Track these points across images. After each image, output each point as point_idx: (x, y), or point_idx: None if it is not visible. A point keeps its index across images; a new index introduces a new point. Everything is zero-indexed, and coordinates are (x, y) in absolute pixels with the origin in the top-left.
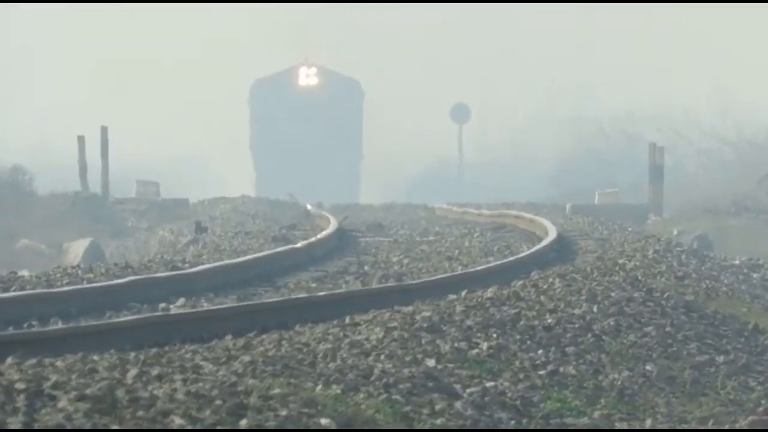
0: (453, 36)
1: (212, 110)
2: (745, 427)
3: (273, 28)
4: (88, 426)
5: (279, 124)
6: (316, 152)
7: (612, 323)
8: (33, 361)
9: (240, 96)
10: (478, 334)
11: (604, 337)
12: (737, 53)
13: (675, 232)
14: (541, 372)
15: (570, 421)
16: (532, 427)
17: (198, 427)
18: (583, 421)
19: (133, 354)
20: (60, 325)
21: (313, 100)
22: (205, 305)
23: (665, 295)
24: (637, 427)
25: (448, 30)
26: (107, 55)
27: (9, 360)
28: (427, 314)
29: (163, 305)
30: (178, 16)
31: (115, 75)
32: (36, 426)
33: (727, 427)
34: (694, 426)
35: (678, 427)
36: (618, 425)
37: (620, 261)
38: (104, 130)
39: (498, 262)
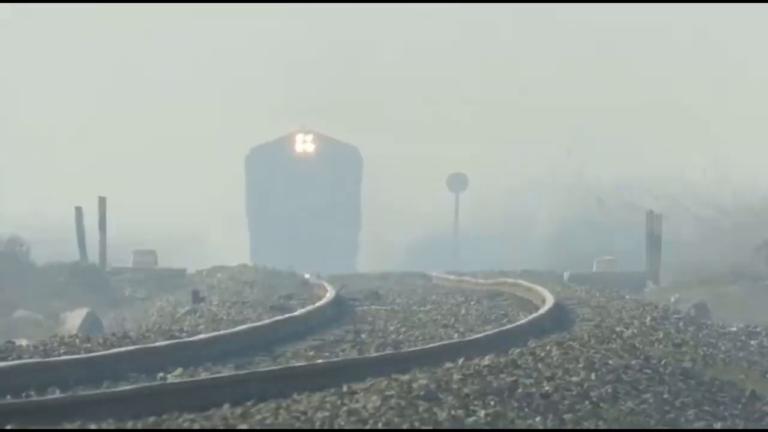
0: (449, 105)
1: (209, 179)
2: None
3: (269, 95)
4: None
5: (275, 193)
6: (313, 221)
7: (610, 390)
8: (31, 429)
9: (237, 164)
10: (476, 402)
11: (601, 404)
12: (735, 122)
13: (673, 300)
14: None
15: None
16: None
17: None
18: None
19: (131, 423)
20: (58, 394)
21: (309, 167)
22: (203, 374)
23: (663, 363)
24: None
25: (445, 99)
26: (104, 126)
27: (8, 428)
28: (424, 382)
29: (161, 374)
30: (175, 82)
31: (112, 146)
32: None
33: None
34: None
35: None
36: None
37: (618, 329)
38: (102, 201)
39: (495, 330)
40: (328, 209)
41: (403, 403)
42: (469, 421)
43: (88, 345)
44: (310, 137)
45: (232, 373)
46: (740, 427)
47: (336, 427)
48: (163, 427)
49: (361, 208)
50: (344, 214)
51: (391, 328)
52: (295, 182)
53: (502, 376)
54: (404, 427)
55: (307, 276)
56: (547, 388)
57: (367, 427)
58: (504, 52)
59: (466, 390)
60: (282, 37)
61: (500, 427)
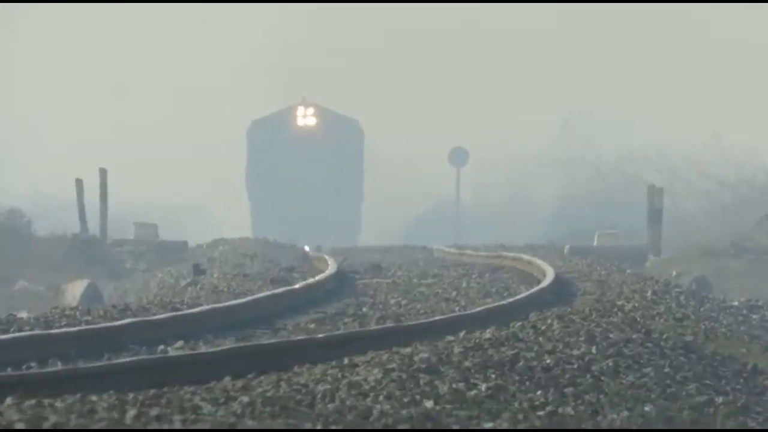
0: (451, 79)
1: (210, 152)
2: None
3: (270, 68)
4: None
5: (276, 166)
6: (315, 194)
7: (611, 364)
8: (32, 401)
9: (238, 137)
10: (477, 375)
11: (602, 378)
12: (736, 95)
13: (674, 273)
14: (540, 413)
15: None
16: None
17: None
18: None
19: (132, 395)
20: (59, 366)
21: (310, 140)
22: (204, 347)
23: (664, 336)
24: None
25: (446, 73)
26: (105, 98)
27: (8, 400)
28: (426, 355)
29: (161, 347)
30: (176, 56)
31: (113, 117)
32: None
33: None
34: None
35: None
36: None
37: (619, 302)
38: (103, 173)
39: (496, 304)
40: (330, 182)
41: (404, 375)
42: (471, 395)
43: (89, 317)
44: (311, 110)
45: (233, 345)
46: (742, 401)
47: (337, 402)
48: (164, 400)
49: (363, 181)
50: (346, 187)
51: (393, 302)
52: (297, 155)
53: (503, 349)
54: (405, 400)
55: (307, 249)
56: (548, 361)
57: (369, 399)
58: (505, 24)
59: (467, 363)
60: (283, 9)
61: (502, 399)
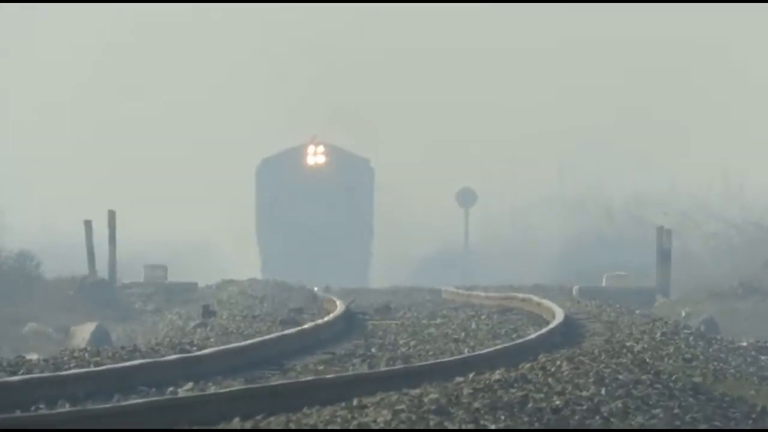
0: (458, 118)
1: (220, 192)
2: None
3: (280, 107)
4: None
5: (286, 205)
6: (325, 234)
7: (620, 405)
8: None
9: (247, 177)
10: (486, 417)
11: (612, 419)
12: (744, 135)
13: (683, 314)
14: None
15: None
16: None
17: None
18: None
19: None
20: (68, 408)
21: (321, 179)
22: (213, 388)
23: (673, 378)
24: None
25: (453, 113)
26: (113, 141)
27: None
28: (435, 396)
29: (171, 388)
30: (183, 96)
31: (121, 158)
32: None
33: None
34: None
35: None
36: None
37: (628, 343)
38: (112, 215)
39: (505, 345)
40: (340, 222)
41: (413, 417)
42: None
43: (98, 359)
44: (321, 148)
45: (242, 387)
46: None
47: None
48: None
49: (374, 220)
50: (356, 227)
51: (402, 342)
52: (306, 194)
53: (512, 390)
54: None
55: (316, 290)
56: (557, 402)
57: None
58: (511, 67)
59: (476, 404)
60: (292, 47)
61: None
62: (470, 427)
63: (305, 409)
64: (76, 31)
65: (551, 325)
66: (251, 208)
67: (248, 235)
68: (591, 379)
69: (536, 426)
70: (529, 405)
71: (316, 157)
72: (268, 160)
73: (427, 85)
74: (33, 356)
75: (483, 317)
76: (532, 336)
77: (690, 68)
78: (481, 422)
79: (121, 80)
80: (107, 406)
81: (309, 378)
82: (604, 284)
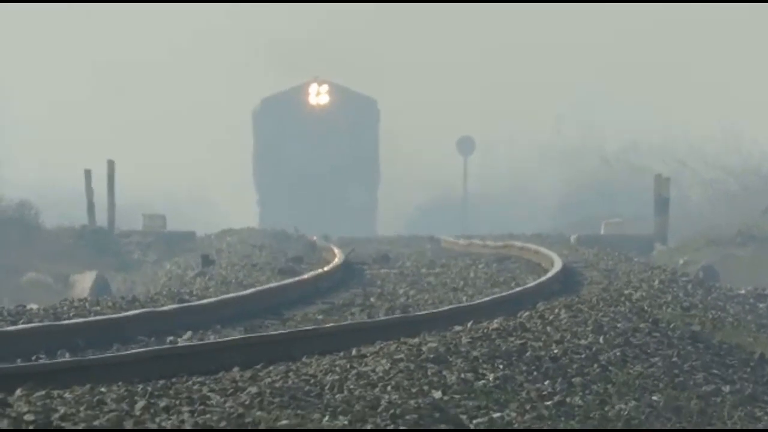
0: (458, 68)
1: (219, 140)
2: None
3: (280, 46)
4: None
5: (286, 148)
6: (328, 180)
7: (618, 354)
8: (41, 393)
9: (246, 123)
10: (485, 365)
11: (610, 367)
12: (742, 84)
13: (681, 262)
14: (548, 403)
15: None
16: None
17: None
18: None
19: (140, 386)
20: (67, 357)
21: (324, 120)
22: (212, 338)
23: (671, 326)
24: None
25: (454, 63)
26: (111, 87)
27: (18, 392)
28: (434, 345)
29: (170, 338)
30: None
31: (120, 106)
32: None
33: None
34: None
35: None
36: None
37: (626, 292)
38: (111, 164)
39: (504, 294)
40: (345, 166)
41: (412, 366)
42: (479, 385)
43: (98, 308)
44: (324, 88)
45: (241, 336)
46: (749, 390)
47: (345, 392)
48: (172, 391)
49: (380, 166)
50: (362, 172)
51: (401, 292)
52: (308, 137)
53: (510, 339)
54: (413, 390)
55: (314, 239)
56: (555, 351)
57: (377, 390)
58: (513, 16)
59: (475, 353)
60: None
61: (509, 389)
62: (469, 376)
63: (304, 359)
64: None
65: (549, 274)
66: (250, 154)
67: (248, 183)
68: (589, 328)
69: (535, 374)
70: (528, 353)
71: (318, 97)
72: (267, 100)
73: (428, 35)
74: (33, 306)
75: (481, 266)
76: (531, 284)
77: (688, 18)
78: (480, 371)
79: (118, 30)
80: (107, 355)
81: (308, 327)
82: (602, 232)
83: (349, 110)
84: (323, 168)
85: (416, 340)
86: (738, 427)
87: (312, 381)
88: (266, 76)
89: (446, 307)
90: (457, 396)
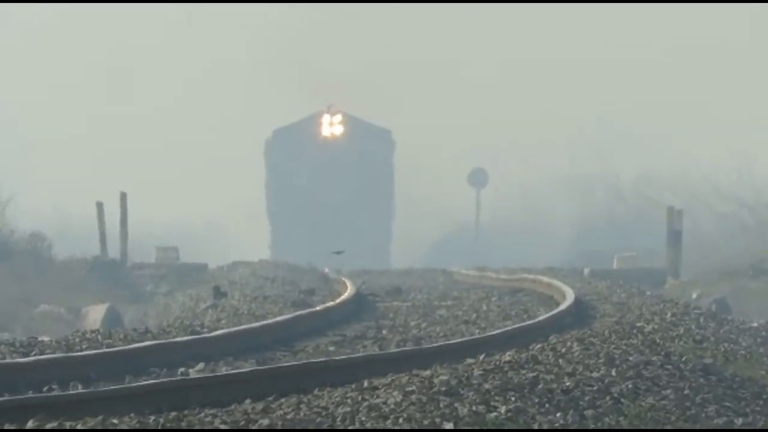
0: (470, 99)
1: (231, 172)
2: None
3: (292, 75)
4: None
5: (299, 179)
6: (342, 212)
7: (630, 386)
8: (54, 424)
9: (259, 154)
10: (497, 398)
11: (622, 400)
12: (755, 117)
13: (694, 296)
14: None
15: None
16: None
17: None
18: None
19: (152, 418)
20: (80, 389)
21: (338, 151)
22: (224, 369)
23: (683, 359)
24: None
25: (466, 94)
26: (124, 122)
27: (30, 423)
28: (445, 378)
29: (182, 370)
30: (196, 72)
31: (133, 141)
32: None
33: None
34: None
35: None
36: None
37: (638, 324)
38: (123, 197)
39: (516, 326)
40: (359, 198)
41: (424, 398)
42: (491, 417)
43: (110, 340)
44: (337, 118)
45: (254, 368)
46: (760, 426)
47: (357, 424)
48: (184, 423)
49: (395, 198)
50: (377, 204)
51: (413, 324)
52: (321, 168)
53: (522, 371)
54: (425, 422)
55: (327, 271)
56: (567, 383)
57: (389, 422)
58: (527, 45)
59: (486, 386)
60: (304, 13)
61: (522, 422)
62: (481, 408)
63: (316, 391)
64: (86, 15)
65: (562, 306)
66: (262, 186)
67: (260, 214)
68: (601, 360)
69: (547, 407)
70: (540, 386)
71: (332, 127)
72: (279, 131)
73: (441, 65)
74: (45, 337)
75: (494, 298)
76: (543, 317)
77: (702, 52)
78: (492, 403)
79: (131, 61)
80: (119, 386)
81: (320, 359)
82: (615, 266)
83: (363, 141)
84: (337, 200)
85: (428, 372)
86: None
87: (324, 413)
88: (280, 105)
89: (458, 340)
90: (468, 428)
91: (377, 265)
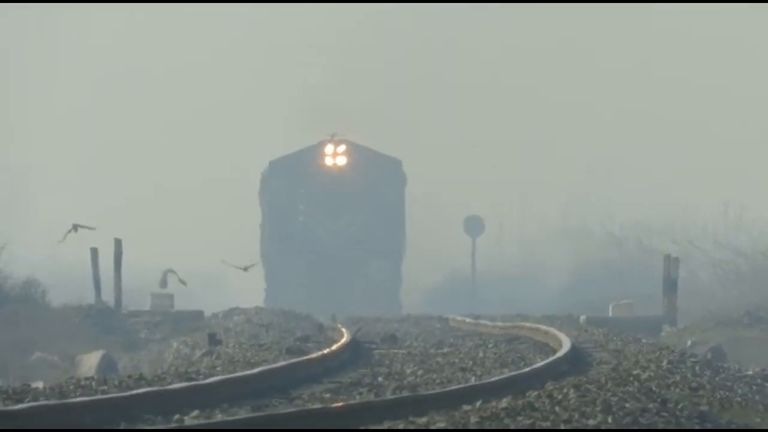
0: (466, 148)
1: (226, 218)
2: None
3: (292, 105)
4: None
5: (297, 216)
6: (345, 253)
7: None
8: None
9: (254, 192)
10: None
11: None
12: (751, 165)
13: (689, 343)
14: None
15: None
16: None
17: None
18: None
19: None
20: None
21: (342, 184)
22: (220, 417)
23: (679, 406)
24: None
25: (462, 142)
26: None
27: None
28: (442, 425)
29: (177, 416)
30: (191, 113)
31: (126, 187)
32: None
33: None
34: None
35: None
36: None
37: (634, 372)
38: (118, 243)
39: (512, 373)
40: (366, 237)
41: None
42: None
43: (105, 387)
44: (342, 147)
45: (249, 415)
46: None
47: None
48: None
49: (406, 236)
50: (386, 243)
51: (408, 371)
52: (323, 203)
53: (519, 418)
54: None
55: (322, 320)
56: None
57: None
58: (521, 93)
59: None
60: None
61: None
62: None
63: None
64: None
65: (558, 354)
66: (256, 222)
67: (256, 257)
68: (598, 408)
69: None
70: None
71: (335, 158)
72: (276, 163)
73: (438, 113)
74: (39, 384)
75: (490, 346)
76: (539, 364)
77: (699, 100)
78: None
79: (124, 104)
80: None
81: (315, 406)
82: (610, 314)
83: (369, 173)
84: (340, 239)
85: (424, 419)
86: None
87: None
88: (277, 139)
89: (454, 387)
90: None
91: (386, 311)
